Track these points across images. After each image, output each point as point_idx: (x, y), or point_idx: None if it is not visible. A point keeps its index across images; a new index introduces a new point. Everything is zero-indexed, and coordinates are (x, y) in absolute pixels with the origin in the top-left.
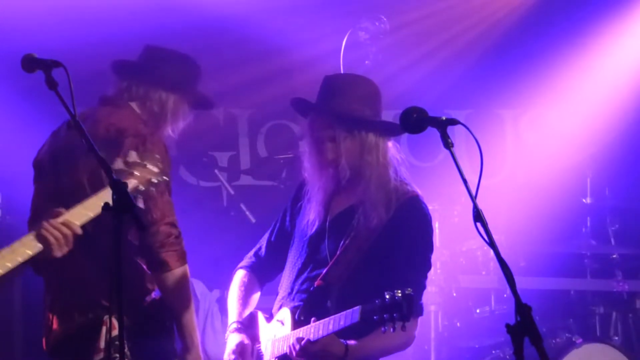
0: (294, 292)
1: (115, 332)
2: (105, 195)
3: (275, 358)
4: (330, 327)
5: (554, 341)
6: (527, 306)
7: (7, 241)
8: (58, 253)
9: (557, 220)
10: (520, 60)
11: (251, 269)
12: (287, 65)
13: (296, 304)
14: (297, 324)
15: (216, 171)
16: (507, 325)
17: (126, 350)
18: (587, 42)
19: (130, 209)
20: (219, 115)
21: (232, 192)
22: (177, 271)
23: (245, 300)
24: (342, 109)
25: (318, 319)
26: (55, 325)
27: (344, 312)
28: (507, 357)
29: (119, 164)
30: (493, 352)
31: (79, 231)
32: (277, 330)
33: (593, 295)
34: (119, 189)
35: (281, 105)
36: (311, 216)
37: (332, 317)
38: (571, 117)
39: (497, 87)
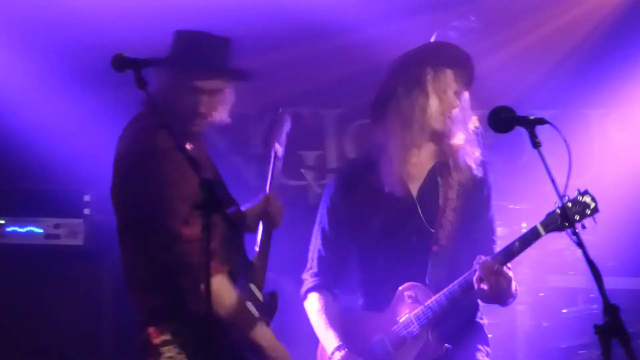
0: (403, 267)
1: None
2: None
3: (423, 324)
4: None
5: None
6: (615, 306)
7: (96, 239)
8: None
9: None
10: (607, 59)
11: (320, 288)
12: (374, 63)
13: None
14: (431, 287)
15: (303, 170)
16: (595, 326)
17: None
18: None
19: (219, 209)
20: (306, 114)
21: (318, 190)
22: None
23: (332, 323)
24: None
25: (446, 279)
26: None
27: (522, 235)
28: (594, 358)
29: None
30: (580, 352)
31: None
32: (409, 305)
33: None
34: (208, 187)
35: (367, 105)
36: (390, 191)
37: (510, 244)
38: None
39: (583, 87)
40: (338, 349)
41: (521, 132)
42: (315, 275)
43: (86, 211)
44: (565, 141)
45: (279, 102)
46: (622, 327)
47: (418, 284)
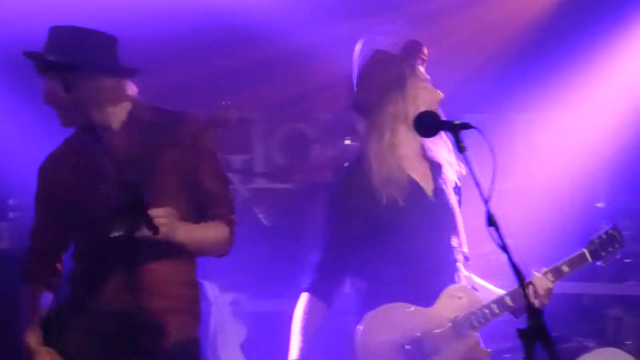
0: (440, 267)
1: None
2: None
3: (474, 327)
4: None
5: (565, 345)
6: (538, 310)
7: (22, 243)
8: None
9: (570, 225)
10: (532, 62)
11: (313, 291)
12: (303, 68)
13: (458, 274)
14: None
15: (229, 174)
16: (518, 330)
17: None
18: (602, 46)
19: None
20: (232, 117)
21: (245, 194)
22: None
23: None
24: None
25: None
26: None
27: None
28: None
29: None
30: (505, 356)
31: None
32: (458, 306)
33: (606, 299)
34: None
35: (296, 108)
36: (406, 192)
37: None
38: (584, 121)
39: (508, 90)
40: None
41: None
42: (313, 279)
43: (11, 215)
44: (490, 145)
45: (207, 105)
46: (546, 331)
47: (466, 286)
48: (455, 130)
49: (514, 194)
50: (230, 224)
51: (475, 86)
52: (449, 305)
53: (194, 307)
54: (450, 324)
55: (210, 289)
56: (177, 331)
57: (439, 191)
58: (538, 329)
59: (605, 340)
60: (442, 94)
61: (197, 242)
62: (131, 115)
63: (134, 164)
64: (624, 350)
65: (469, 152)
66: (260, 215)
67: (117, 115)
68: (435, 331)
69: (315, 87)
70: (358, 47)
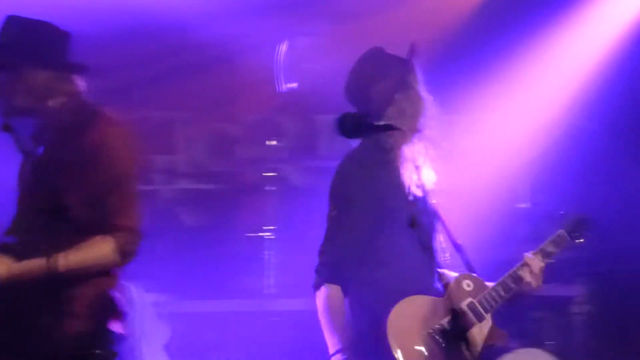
0: (425, 263)
1: None
2: None
3: (487, 310)
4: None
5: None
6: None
7: None
8: None
9: (493, 226)
10: (457, 65)
11: (332, 280)
12: (225, 66)
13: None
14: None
15: (152, 174)
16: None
17: None
18: (525, 49)
19: None
20: (156, 118)
21: (169, 195)
22: None
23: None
24: None
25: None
26: None
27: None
28: None
29: None
30: None
31: None
32: (470, 293)
33: (530, 299)
34: None
35: (221, 109)
36: (401, 189)
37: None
38: (508, 123)
39: (434, 92)
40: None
41: None
42: (330, 269)
43: None
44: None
45: (130, 104)
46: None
47: (473, 274)
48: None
49: (438, 195)
50: (116, 235)
51: None
52: (460, 293)
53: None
54: (467, 309)
55: (133, 291)
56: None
57: (423, 193)
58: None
59: (528, 340)
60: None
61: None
62: (59, 111)
63: (44, 165)
64: (546, 350)
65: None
66: (184, 216)
67: (47, 110)
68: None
69: (240, 88)
70: (283, 48)
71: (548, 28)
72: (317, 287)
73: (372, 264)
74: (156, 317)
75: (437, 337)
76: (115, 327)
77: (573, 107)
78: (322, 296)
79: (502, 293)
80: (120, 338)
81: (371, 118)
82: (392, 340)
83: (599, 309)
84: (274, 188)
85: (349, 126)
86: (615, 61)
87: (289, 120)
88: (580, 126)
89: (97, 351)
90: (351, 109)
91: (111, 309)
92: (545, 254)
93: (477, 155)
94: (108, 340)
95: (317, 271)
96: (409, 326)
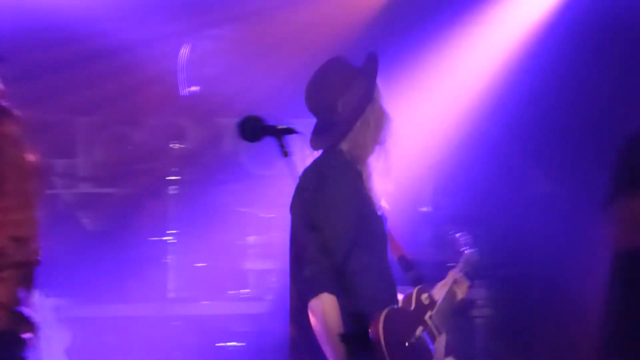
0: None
1: None
2: None
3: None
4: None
5: None
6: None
7: None
8: None
9: (396, 229)
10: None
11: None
12: (127, 70)
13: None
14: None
15: (52, 178)
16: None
17: None
18: (427, 52)
19: None
20: (54, 120)
21: (69, 199)
22: None
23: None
24: None
25: None
26: None
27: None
28: None
29: None
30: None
31: None
32: (426, 306)
33: None
34: None
35: (121, 112)
36: (372, 201)
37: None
38: (409, 126)
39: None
40: None
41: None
42: (332, 279)
43: None
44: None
45: (28, 108)
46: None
47: (427, 288)
48: (279, 135)
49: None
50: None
51: (300, 89)
52: (423, 306)
53: None
54: (430, 322)
55: (35, 295)
56: None
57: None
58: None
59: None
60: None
61: None
62: None
63: None
64: None
65: (293, 157)
66: (84, 220)
67: None
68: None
69: (142, 91)
70: (185, 51)
71: (449, 32)
72: (314, 294)
73: (354, 273)
74: (57, 322)
75: (416, 347)
76: (23, 332)
77: (474, 111)
78: (324, 305)
79: (448, 308)
80: (26, 343)
81: (337, 129)
82: (385, 347)
83: (499, 312)
84: (176, 191)
85: (250, 129)
86: (517, 66)
87: (192, 123)
88: (481, 130)
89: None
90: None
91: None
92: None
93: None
94: (16, 345)
95: (310, 280)
96: (395, 336)
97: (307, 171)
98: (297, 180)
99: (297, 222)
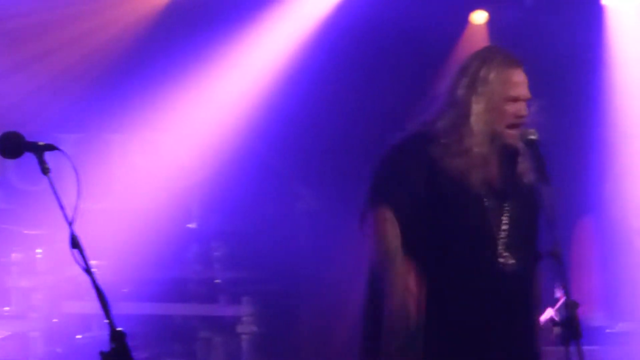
0: None
1: None
2: None
3: None
4: None
5: None
6: (121, 332)
7: None
8: None
9: (162, 245)
10: (129, 84)
11: None
12: None
13: None
14: None
15: None
16: (101, 353)
17: None
18: (197, 65)
19: None
20: None
21: None
22: None
23: None
24: None
25: None
26: None
27: None
28: None
29: None
30: None
31: None
32: None
33: (198, 319)
34: None
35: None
36: None
37: None
38: (178, 142)
39: (105, 111)
40: None
41: None
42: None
43: None
44: (73, 166)
45: None
46: (128, 353)
47: None
48: (40, 151)
49: (108, 214)
50: None
51: (68, 105)
52: None
53: None
54: None
55: None
56: None
57: None
58: (120, 350)
59: None
60: None
61: None
62: None
63: None
64: None
65: (53, 174)
66: None
67: None
68: None
69: None
70: None
71: (220, 46)
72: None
73: None
74: None
75: None
76: None
77: (242, 126)
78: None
79: None
80: None
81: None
82: None
83: (265, 328)
84: None
85: (9, 146)
86: (289, 82)
87: None
88: (249, 145)
89: None
90: None
91: None
92: None
93: (148, 174)
94: None
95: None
96: None
97: None
98: (57, 197)
99: None
